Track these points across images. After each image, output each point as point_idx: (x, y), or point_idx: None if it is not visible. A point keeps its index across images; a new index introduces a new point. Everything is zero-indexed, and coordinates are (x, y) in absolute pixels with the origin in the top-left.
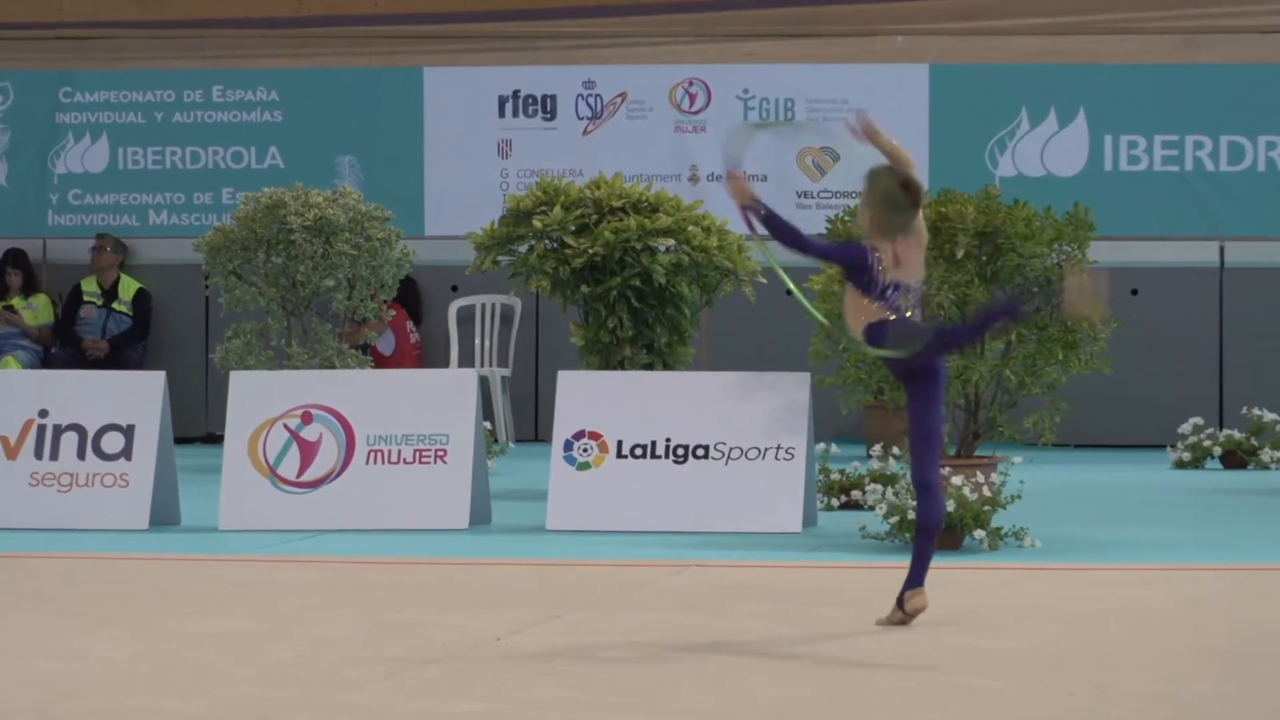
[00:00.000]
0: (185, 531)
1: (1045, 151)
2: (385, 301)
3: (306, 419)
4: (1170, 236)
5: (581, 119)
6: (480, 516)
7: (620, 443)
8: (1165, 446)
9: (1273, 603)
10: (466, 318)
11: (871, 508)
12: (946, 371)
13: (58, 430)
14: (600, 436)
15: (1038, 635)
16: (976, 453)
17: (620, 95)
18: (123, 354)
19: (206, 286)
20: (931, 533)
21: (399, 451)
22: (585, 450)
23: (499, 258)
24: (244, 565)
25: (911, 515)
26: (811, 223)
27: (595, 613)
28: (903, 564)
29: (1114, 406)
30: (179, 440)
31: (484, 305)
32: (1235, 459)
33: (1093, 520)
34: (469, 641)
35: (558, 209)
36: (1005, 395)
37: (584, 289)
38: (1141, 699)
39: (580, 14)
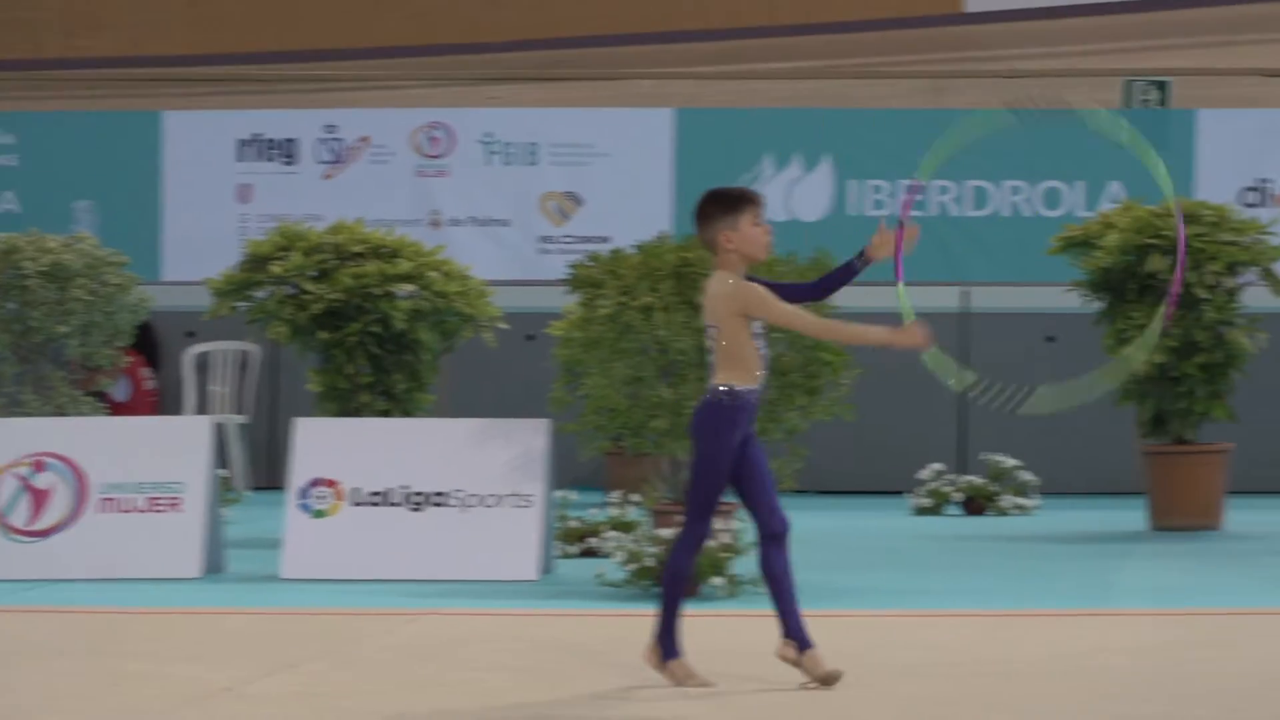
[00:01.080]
0: None
1: (790, 196)
2: (120, 348)
3: (38, 467)
4: (914, 281)
5: (322, 163)
6: (214, 565)
7: (356, 490)
8: (905, 492)
9: (1019, 649)
10: (204, 364)
11: (609, 555)
12: None
13: None
14: (336, 484)
15: (781, 684)
16: None
17: (362, 139)
18: None
19: None
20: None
21: (132, 499)
22: (321, 498)
23: (236, 304)
24: None
25: (650, 563)
26: (553, 268)
27: (329, 662)
28: (640, 611)
29: (855, 452)
30: None
31: (221, 351)
32: (975, 505)
33: (833, 567)
34: (200, 691)
35: (297, 254)
36: None
37: (322, 335)
38: None
39: (322, 57)
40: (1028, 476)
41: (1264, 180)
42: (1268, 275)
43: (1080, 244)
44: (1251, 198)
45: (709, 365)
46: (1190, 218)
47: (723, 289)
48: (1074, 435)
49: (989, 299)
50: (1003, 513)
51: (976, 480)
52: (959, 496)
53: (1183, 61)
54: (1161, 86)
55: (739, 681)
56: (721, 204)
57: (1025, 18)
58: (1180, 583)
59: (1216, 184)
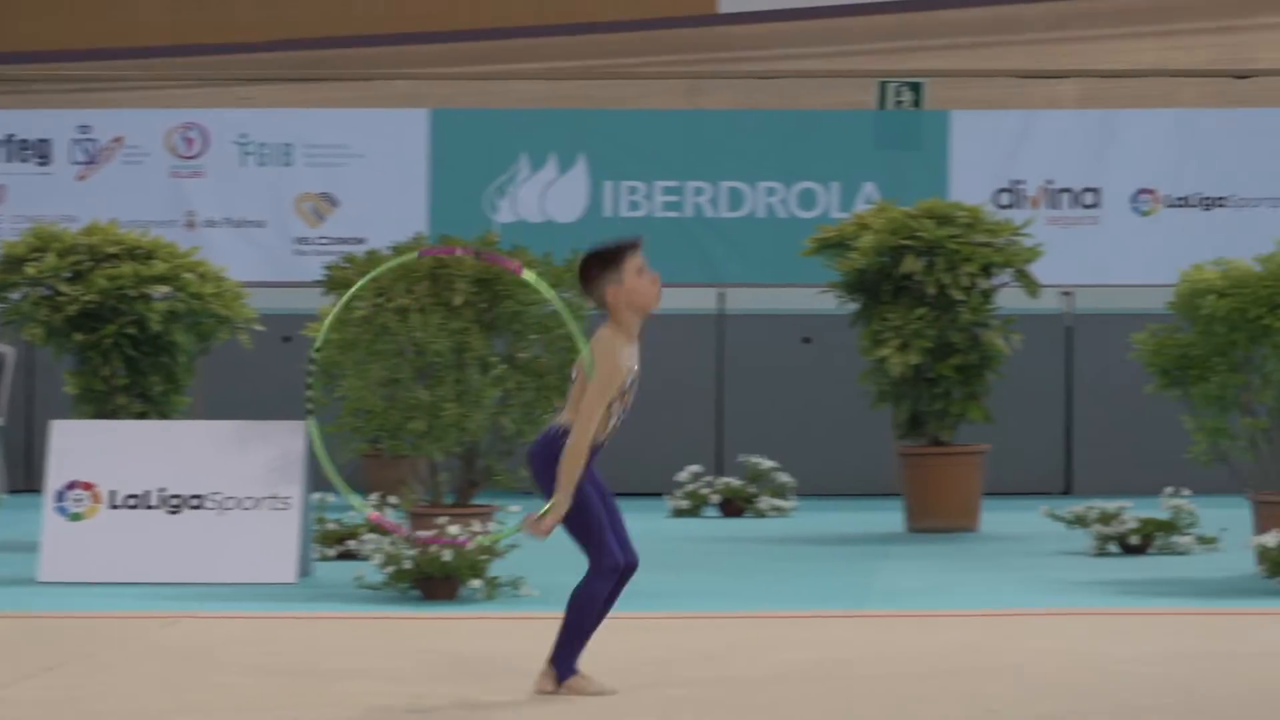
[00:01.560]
0: None
1: (546, 197)
2: None
3: None
4: (670, 283)
5: (76, 164)
6: None
7: (114, 493)
8: (664, 495)
9: (784, 653)
10: None
11: (368, 558)
12: None
13: None
14: (93, 486)
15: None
16: (475, 500)
17: (115, 140)
18: None
19: None
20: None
21: None
22: (78, 501)
23: None
24: None
25: (407, 565)
26: (310, 269)
27: (87, 666)
28: (399, 614)
29: (612, 454)
30: None
31: None
32: (733, 506)
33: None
34: None
35: (51, 256)
36: (503, 443)
37: (77, 337)
38: None
39: (75, 57)
40: (785, 478)
41: (1017, 182)
42: (1022, 276)
43: (835, 245)
44: (1005, 199)
45: (567, 397)
46: (945, 219)
47: (600, 348)
48: (831, 437)
49: (745, 300)
50: (761, 514)
51: (734, 482)
52: (717, 498)
53: (937, 63)
54: (916, 88)
55: (504, 684)
56: (601, 261)
57: (780, 19)
58: (937, 584)
59: (970, 185)
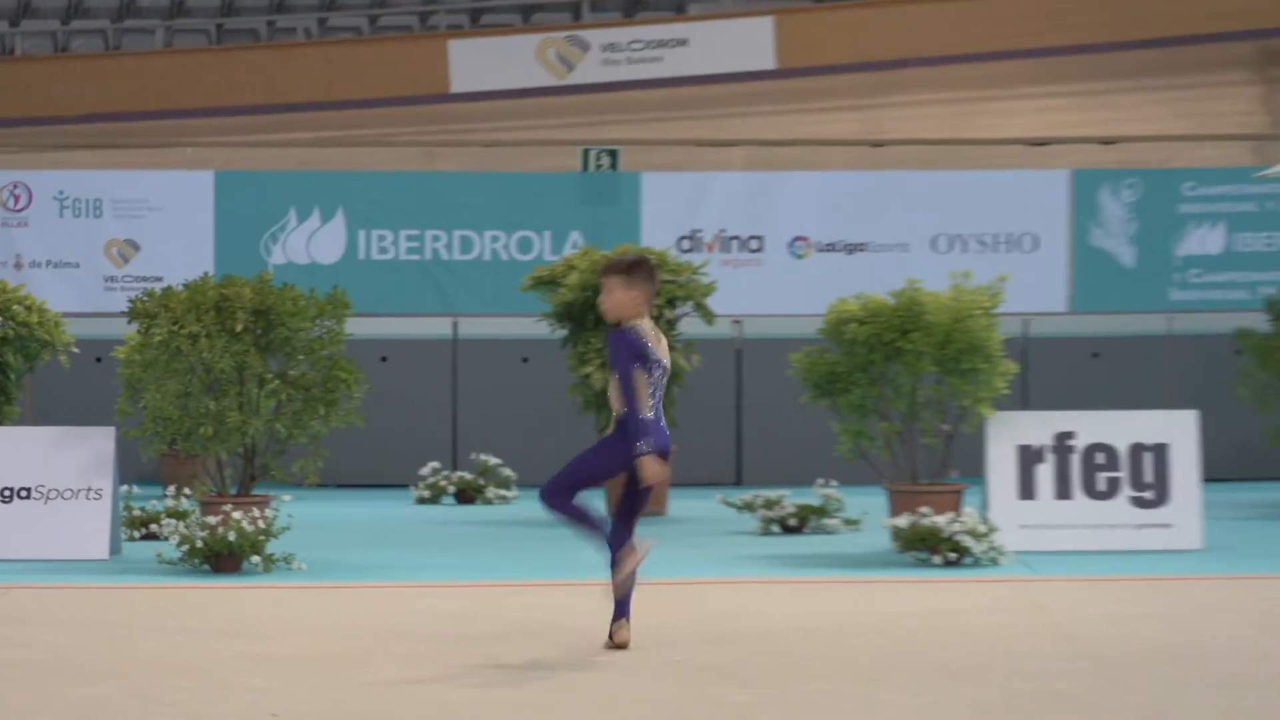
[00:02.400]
0: None
1: (311, 243)
2: None
3: None
4: (413, 314)
5: None
6: None
7: None
8: (409, 485)
9: (509, 614)
10: None
11: (167, 538)
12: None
13: None
14: None
15: (304, 642)
16: (255, 491)
17: None
18: None
19: None
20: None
21: None
22: None
23: None
24: None
25: (199, 544)
26: (117, 303)
27: None
28: (192, 584)
29: (367, 452)
30: None
31: None
32: (466, 495)
33: (351, 546)
34: None
35: None
36: (277, 444)
37: None
38: (400, 701)
39: None
40: (508, 472)
41: (696, 230)
42: (700, 308)
43: (548, 283)
44: (686, 244)
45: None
46: None
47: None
48: (546, 438)
49: (475, 328)
50: (489, 502)
51: (467, 475)
52: (453, 489)
53: (629, 133)
54: (613, 154)
55: (281, 639)
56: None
57: (501, 97)
58: None
59: (658, 234)
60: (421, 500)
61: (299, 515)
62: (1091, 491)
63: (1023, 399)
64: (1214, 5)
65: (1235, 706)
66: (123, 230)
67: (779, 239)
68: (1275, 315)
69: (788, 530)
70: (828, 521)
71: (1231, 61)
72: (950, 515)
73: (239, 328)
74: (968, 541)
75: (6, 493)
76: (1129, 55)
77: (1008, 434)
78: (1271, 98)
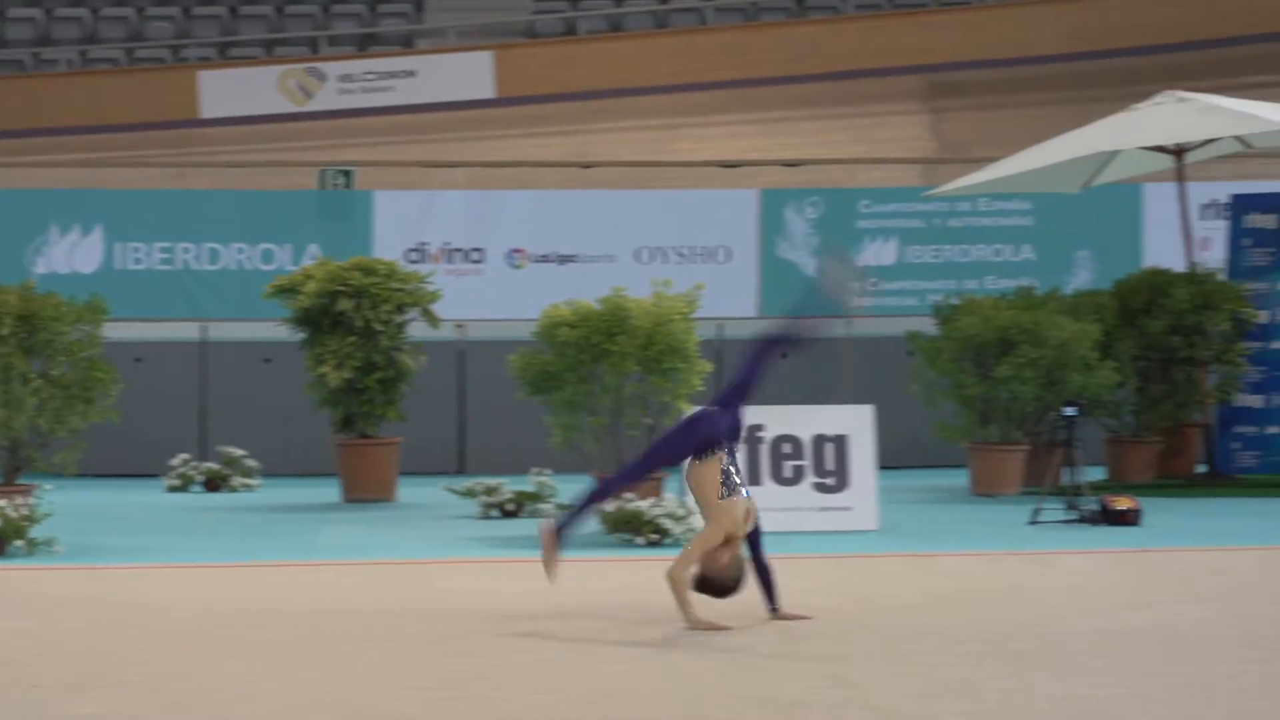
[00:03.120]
0: None
1: (72, 255)
2: None
3: None
4: (166, 319)
5: None
6: None
7: None
8: (160, 475)
9: (253, 593)
10: None
11: None
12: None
13: None
14: None
15: (64, 619)
16: (19, 480)
17: None
18: None
19: None
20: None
21: None
22: None
23: None
24: None
25: None
26: None
27: None
28: None
29: (122, 445)
30: None
31: None
32: (214, 484)
33: (108, 532)
34: None
35: None
36: (39, 438)
37: None
38: (156, 671)
39: None
40: (252, 462)
41: (423, 243)
42: (426, 313)
43: (288, 290)
44: (414, 256)
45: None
46: (369, 271)
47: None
48: (287, 431)
49: (222, 331)
50: (234, 490)
51: (214, 465)
52: (201, 478)
53: (363, 155)
54: (348, 174)
55: (41, 616)
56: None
57: (247, 122)
58: (367, 541)
59: (389, 246)
60: (172, 489)
61: (60, 503)
62: (779, 478)
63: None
64: (886, 42)
65: (912, 663)
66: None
67: (498, 251)
68: (942, 320)
69: (506, 514)
70: (542, 506)
71: (902, 93)
72: (652, 500)
73: (4, 331)
74: (668, 524)
75: None
76: (811, 87)
77: None
78: (938, 125)
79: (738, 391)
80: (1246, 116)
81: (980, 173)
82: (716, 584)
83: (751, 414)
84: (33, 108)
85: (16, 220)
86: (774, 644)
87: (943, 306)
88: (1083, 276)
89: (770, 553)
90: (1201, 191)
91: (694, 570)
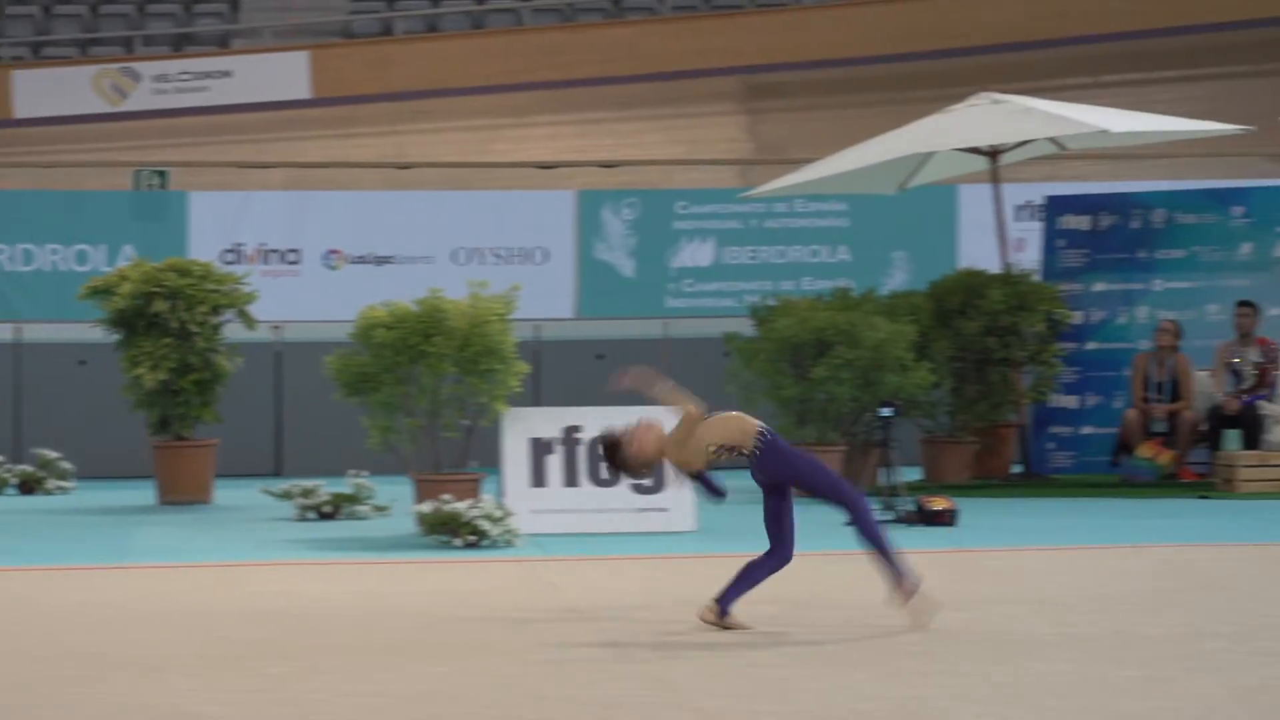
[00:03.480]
0: None
1: None
2: None
3: None
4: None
5: None
6: None
7: None
8: None
9: (68, 596)
10: None
11: None
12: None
13: None
14: None
15: None
16: None
17: None
18: None
19: None
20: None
21: None
22: None
23: None
24: None
25: None
26: None
27: None
28: None
29: None
30: None
31: None
32: (28, 487)
33: None
34: None
35: None
36: None
37: None
38: None
39: None
40: (67, 465)
41: (239, 244)
42: (243, 315)
43: (103, 291)
44: (230, 257)
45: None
46: (185, 272)
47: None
48: (104, 433)
49: (36, 333)
50: (49, 493)
51: (29, 468)
52: (15, 480)
53: (178, 155)
54: (162, 175)
55: None
56: (615, 449)
57: (61, 122)
58: (182, 543)
59: (204, 247)
60: None
61: None
62: (597, 479)
63: (535, 396)
64: (703, 44)
65: (732, 663)
66: None
67: (315, 252)
68: (758, 321)
69: (323, 516)
70: (359, 508)
71: (719, 94)
72: (470, 501)
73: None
74: (486, 525)
75: None
76: (628, 88)
77: (521, 428)
78: (755, 126)
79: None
80: (1060, 118)
81: (797, 174)
82: (625, 456)
83: (570, 416)
84: None
85: None
86: (596, 646)
87: (759, 307)
88: (899, 277)
89: (588, 554)
90: (1016, 193)
91: (694, 413)
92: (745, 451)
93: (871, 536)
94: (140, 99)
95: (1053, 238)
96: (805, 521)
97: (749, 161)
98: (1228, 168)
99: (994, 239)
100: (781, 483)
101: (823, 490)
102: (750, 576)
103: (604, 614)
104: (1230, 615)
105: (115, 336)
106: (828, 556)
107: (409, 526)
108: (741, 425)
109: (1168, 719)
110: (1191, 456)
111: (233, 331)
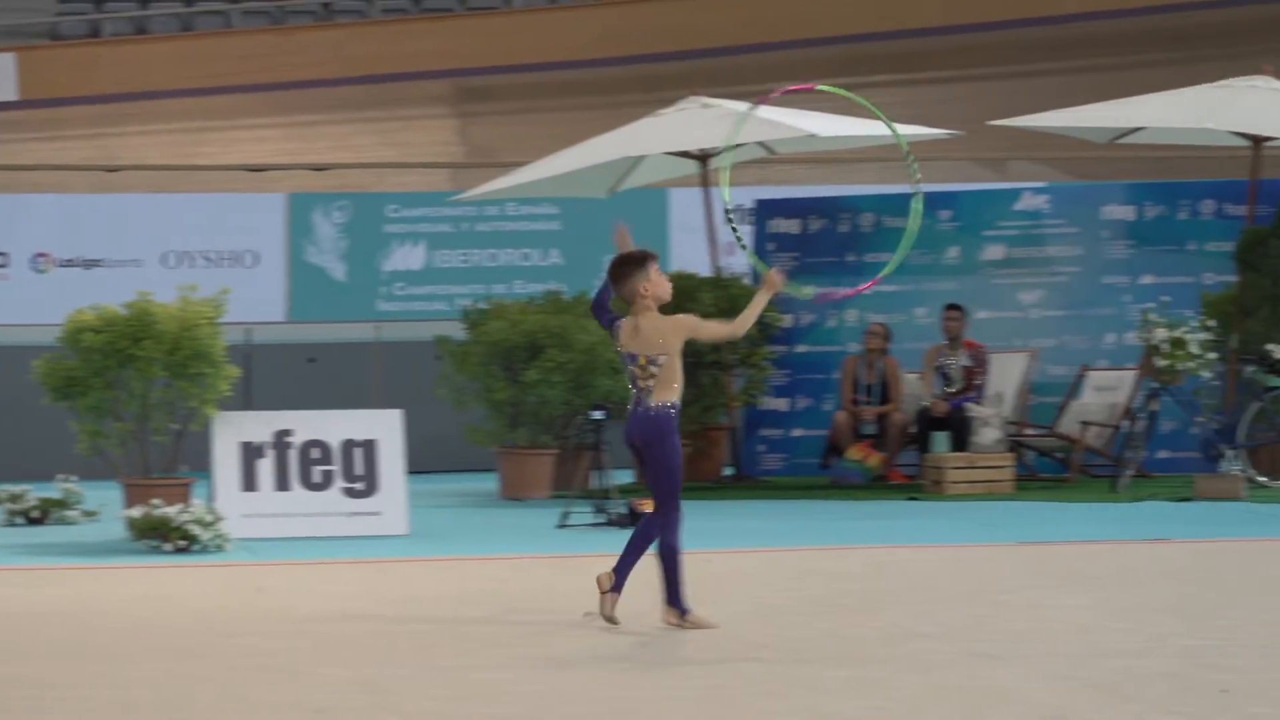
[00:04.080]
0: None
1: None
2: None
3: None
4: None
5: None
6: None
7: None
8: None
9: None
10: None
11: None
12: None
13: None
14: None
15: None
16: None
17: None
18: None
19: None
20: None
21: None
22: None
23: None
24: None
25: None
26: None
27: None
28: None
29: None
30: None
31: None
32: None
33: None
34: None
35: None
36: None
37: None
38: None
39: None
40: None
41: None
42: None
43: None
44: None
45: (644, 389)
46: None
47: (667, 323)
48: None
49: None
50: None
51: None
52: None
53: None
54: None
55: None
56: (633, 263)
57: None
58: None
59: None
60: None
61: None
62: (308, 483)
63: (246, 400)
64: (413, 46)
65: (444, 666)
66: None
67: (23, 255)
68: (470, 324)
69: (32, 521)
70: (69, 513)
71: (430, 98)
72: (180, 506)
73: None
74: (196, 530)
75: None
76: (338, 91)
77: (232, 432)
78: (466, 130)
79: None
80: (770, 123)
81: (508, 177)
82: (638, 278)
83: (281, 420)
84: None
85: None
86: (308, 651)
87: (471, 311)
88: None
89: (299, 558)
90: None
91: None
92: (671, 401)
93: (668, 552)
94: None
95: (763, 241)
96: (511, 524)
97: (460, 165)
98: (936, 172)
99: (705, 242)
100: (646, 454)
101: (664, 484)
102: (639, 546)
103: (314, 617)
104: (937, 615)
105: None
106: (539, 560)
107: (119, 532)
108: (680, 380)
109: (874, 718)
110: (900, 459)
111: None
